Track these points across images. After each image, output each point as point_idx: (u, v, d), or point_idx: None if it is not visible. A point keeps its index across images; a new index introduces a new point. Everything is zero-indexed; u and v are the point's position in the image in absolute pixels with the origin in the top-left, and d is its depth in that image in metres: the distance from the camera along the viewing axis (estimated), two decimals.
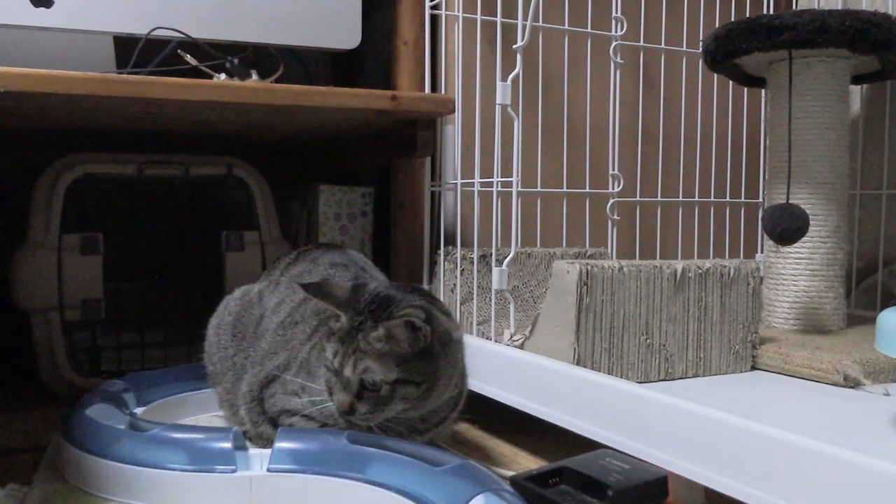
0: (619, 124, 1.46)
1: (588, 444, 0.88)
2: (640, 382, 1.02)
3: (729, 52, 1.24)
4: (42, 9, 1.14)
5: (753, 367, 1.12)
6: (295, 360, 0.94)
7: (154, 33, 1.18)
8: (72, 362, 1.25)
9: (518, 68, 1.12)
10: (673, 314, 1.05)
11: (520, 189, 1.18)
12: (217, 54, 1.23)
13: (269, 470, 0.81)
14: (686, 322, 1.06)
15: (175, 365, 1.26)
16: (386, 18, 1.41)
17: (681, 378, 1.06)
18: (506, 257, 1.16)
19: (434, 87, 1.38)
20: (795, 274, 1.26)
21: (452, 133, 1.36)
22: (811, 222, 1.16)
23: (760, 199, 1.66)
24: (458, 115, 1.29)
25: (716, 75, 1.53)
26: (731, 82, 1.55)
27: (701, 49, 1.35)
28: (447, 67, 1.38)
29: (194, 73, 1.20)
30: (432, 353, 0.83)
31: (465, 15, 1.29)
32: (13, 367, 1.37)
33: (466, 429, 1.18)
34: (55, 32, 1.16)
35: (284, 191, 1.64)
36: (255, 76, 1.23)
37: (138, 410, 1.03)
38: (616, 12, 1.44)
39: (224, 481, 0.81)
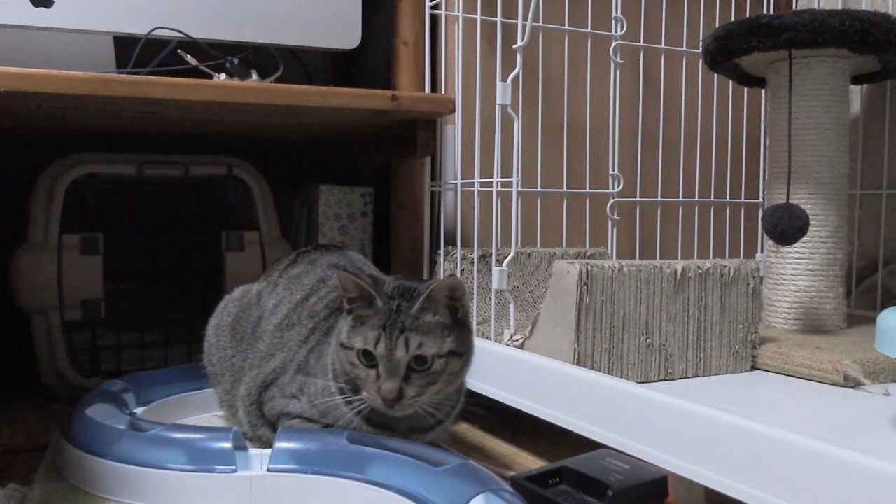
0: (619, 124, 1.46)
1: (588, 444, 0.88)
2: (640, 382, 1.02)
3: (729, 52, 1.24)
4: (42, 9, 1.14)
5: (753, 367, 1.12)
6: (292, 362, 0.94)
7: (154, 33, 1.18)
8: (72, 362, 1.25)
9: (518, 68, 1.12)
10: (673, 314, 1.05)
11: (520, 189, 1.18)
12: (217, 54, 1.23)
13: (269, 470, 0.81)
14: (686, 322, 1.06)
15: (175, 365, 1.26)
16: (386, 18, 1.41)
17: (681, 378, 1.06)
18: (506, 257, 1.16)
19: (434, 87, 1.38)
20: (795, 274, 1.26)
21: (452, 133, 1.36)
22: (811, 222, 1.16)
23: (760, 199, 1.66)
24: (458, 115, 1.29)
25: (716, 75, 1.53)
26: (731, 82, 1.55)
27: (701, 49, 1.35)
28: (447, 67, 1.38)
29: (194, 73, 1.20)
30: (466, 322, 0.86)
31: (465, 15, 1.29)
32: (13, 367, 1.37)
33: (466, 429, 1.18)
34: (55, 32, 1.16)
35: (284, 191, 1.64)
36: (255, 76, 1.23)
37: (138, 410, 1.03)
38: (616, 12, 1.44)
39: (224, 481, 0.81)
